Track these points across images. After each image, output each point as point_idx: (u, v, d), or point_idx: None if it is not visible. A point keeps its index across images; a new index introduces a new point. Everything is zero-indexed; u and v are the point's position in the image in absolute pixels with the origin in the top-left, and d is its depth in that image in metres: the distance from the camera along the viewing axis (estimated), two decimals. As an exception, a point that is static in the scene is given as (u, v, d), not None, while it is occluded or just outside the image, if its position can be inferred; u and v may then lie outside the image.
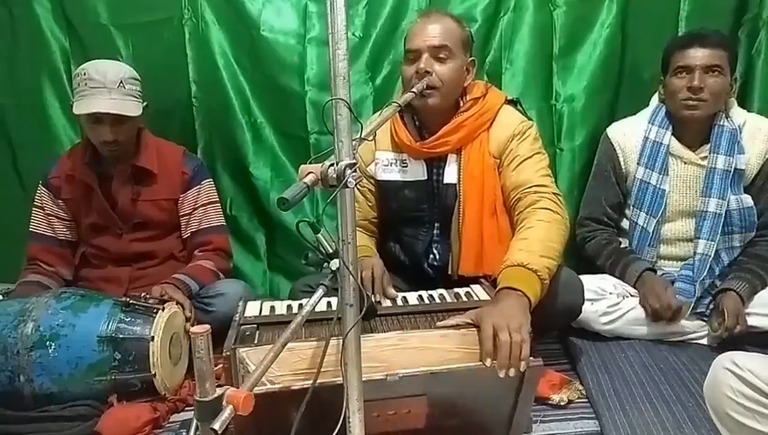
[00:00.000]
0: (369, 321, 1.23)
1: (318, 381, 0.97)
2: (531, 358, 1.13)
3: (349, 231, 0.89)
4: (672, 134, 1.85)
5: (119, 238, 1.90)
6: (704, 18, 2.05)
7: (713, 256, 1.79)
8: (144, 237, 1.92)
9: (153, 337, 1.50)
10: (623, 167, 1.94)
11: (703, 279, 1.78)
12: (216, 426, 0.69)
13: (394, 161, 1.70)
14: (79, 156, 1.87)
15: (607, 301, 1.80)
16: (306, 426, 0.91)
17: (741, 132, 1.81)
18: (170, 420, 1.51)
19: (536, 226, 1.44)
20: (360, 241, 1.62)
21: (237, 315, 1.29)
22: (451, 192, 1.65)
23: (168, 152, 1.94)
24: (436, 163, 1.67)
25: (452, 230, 1.67)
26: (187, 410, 1.55)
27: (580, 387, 1.57)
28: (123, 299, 1.60)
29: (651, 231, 1.86)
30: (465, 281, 1.53)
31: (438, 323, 1.23)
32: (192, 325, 1.64)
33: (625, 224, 1.97)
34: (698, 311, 1.78)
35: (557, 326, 1.81)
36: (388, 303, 1.41)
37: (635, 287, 1.83)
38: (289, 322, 0.94)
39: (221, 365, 1.16)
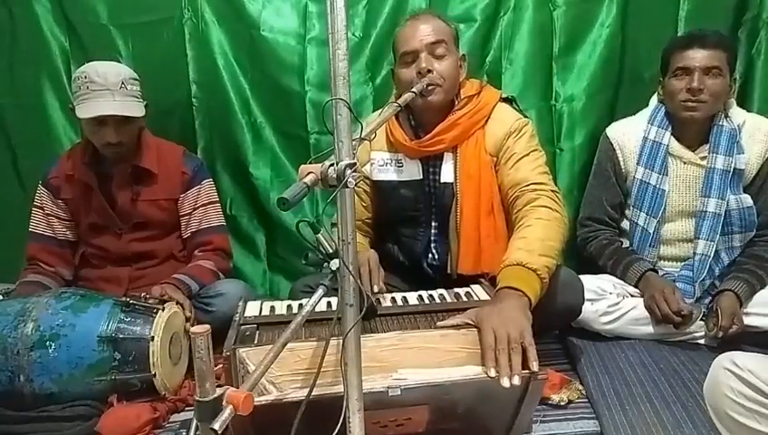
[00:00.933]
0: (369, 321, 1.23)
1: (317, 385, 0.96)
2: (535, 362, 1.10)
3: (349, 231, 0.89)
4: (671, 134, 1.85)
5: (118, 238, 1.90)
6: (703, 18, 2.05)
7: (712, 256, 1.79)
8: (144, 237, 1.92)
9: (153, 337, 1.50)
10: (623, 167, 1.93)
11: (703, 279, 1.78)
12: (216, 426, 0.70)
13: (389, 161, 1.70)
14: (78, 156, 1.87)
15: (607, 301, 1.80)
16: (306, 426, 0.91)
17: (740, 132, 1.81)
18: (170, 420, 1.51)
19: (535, 224, 1.43)
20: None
21: (237, 315, 1.29)
22: (448, 191, 1.65)
23: (168, 152, 1.94)
24: (432, 162, 1.67)
25: (450, 229, 1.67)
26: (187, 410, 1.54)
27: (580, 387, 1.57)
28: (123, 299, 1.60)
29: (652, 232, 1.86)
30: (465, 280, 1.53)
31: (438, 323, 1.23)
32: (192, 325, 1.64)
33: (625, 225, 1.97)
34: (698, 311, 1.77)
35: (557, 326, 1.81)
36: (388, 303, 1.41)
37: (636, 287, 1.83)
38: (289, 322, 0.94)
39: (221, 365, 1.16)
